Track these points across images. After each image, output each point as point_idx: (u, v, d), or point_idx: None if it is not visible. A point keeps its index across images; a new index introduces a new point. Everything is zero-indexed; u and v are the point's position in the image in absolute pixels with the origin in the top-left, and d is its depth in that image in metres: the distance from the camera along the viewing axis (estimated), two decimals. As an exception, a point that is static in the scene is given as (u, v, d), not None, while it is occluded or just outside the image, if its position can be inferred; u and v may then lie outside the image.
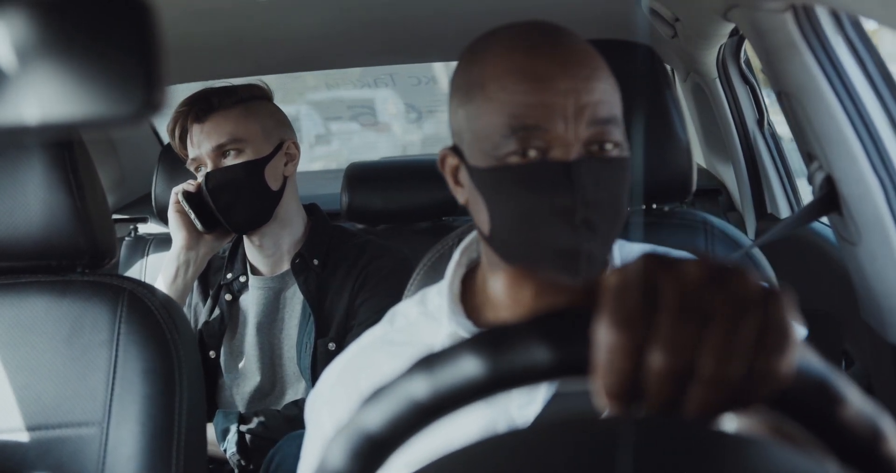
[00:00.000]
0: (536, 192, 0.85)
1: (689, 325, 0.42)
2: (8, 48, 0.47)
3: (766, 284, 0.44)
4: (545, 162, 0.85)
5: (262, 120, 1.71)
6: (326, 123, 5.35)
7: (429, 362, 0.45)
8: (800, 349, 0.44)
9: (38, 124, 0.49)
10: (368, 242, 1.78)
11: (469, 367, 0.44)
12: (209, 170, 1.67)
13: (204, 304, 1.82)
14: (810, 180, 1.31)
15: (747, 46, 1.95)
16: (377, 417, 0.45)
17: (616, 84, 0.89)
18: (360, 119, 5.30)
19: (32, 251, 1.25)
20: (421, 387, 0.44)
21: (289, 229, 1.76)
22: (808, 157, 1.32)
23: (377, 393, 0.46)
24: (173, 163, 2.16)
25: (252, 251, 1.79)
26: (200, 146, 1.67)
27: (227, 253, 1.84)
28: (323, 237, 1.77)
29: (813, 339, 0.74)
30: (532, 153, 0.85)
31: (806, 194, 1.98)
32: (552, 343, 0.44)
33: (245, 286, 1.79)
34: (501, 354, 0.44)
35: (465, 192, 0.93)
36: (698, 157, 2.69)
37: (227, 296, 1.79)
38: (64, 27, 0.48)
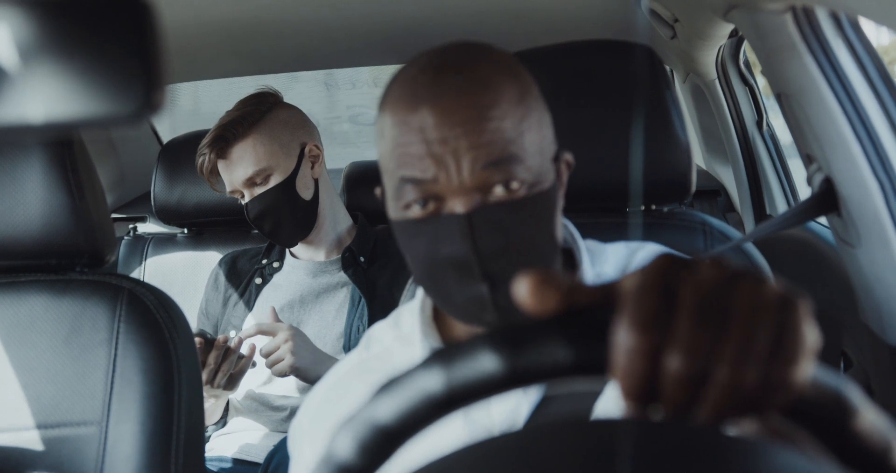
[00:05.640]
0: (434, 248, 0.82)
1: (706, 329, 0.41)
2: (9, 47, 0.47)
3: (784, 289, 0.43)
4: (439, 216, 0.82)
5: (278, 136, 1.78)
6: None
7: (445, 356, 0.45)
8: (815, 358, 0.43)
9: (39, 123, 0.49)
10: None
11: (488, 363, 0.44)
12: (246, 200, 1.79)
13: (237, 292, 1.89)
14: (809, 182, 1.31)
15: (746, 47, 1.95)
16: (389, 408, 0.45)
17: (530, 108, 0.83)
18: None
19: (31, 250, 1.25)
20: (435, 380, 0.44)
21: (328, 219, 1.86)
22: (808, 159, 1.32)
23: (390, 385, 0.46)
24: (173, 162, 2.17)
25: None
26: (231, 180, 1.79)
27: (266, 243, 1.95)
28: (369, 239, 1.88)
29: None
30: (430, 205, 0.82)
31: (804, 193, 1.98)
32: (569, 343, 0.43)
33: (277, 270, 1.88)
34: (519, 352, 0.44)
35: None
36: (697, 158, 2.69)
37: (258, 280, 1.88)
38: (64, 26, 0.48)
